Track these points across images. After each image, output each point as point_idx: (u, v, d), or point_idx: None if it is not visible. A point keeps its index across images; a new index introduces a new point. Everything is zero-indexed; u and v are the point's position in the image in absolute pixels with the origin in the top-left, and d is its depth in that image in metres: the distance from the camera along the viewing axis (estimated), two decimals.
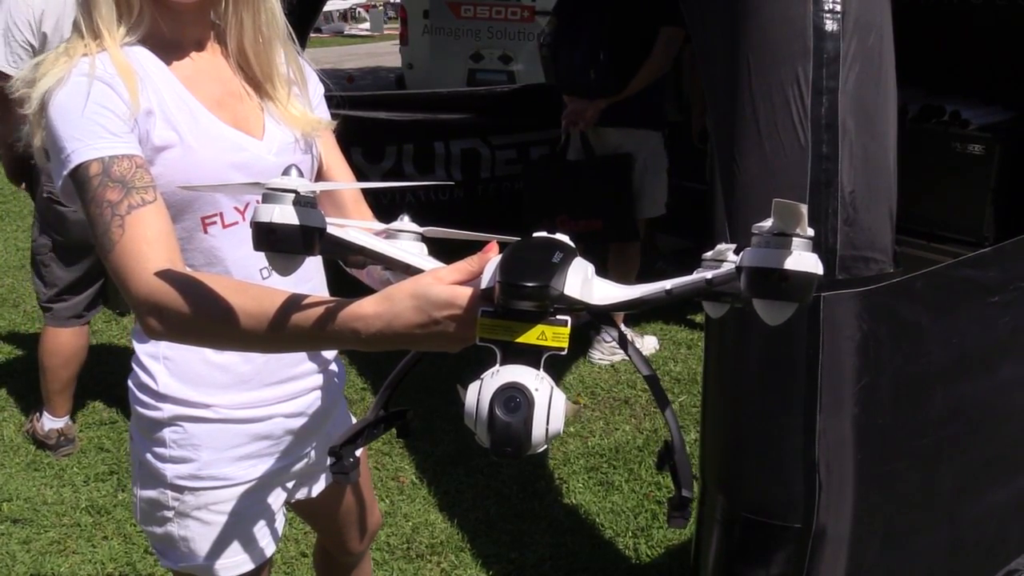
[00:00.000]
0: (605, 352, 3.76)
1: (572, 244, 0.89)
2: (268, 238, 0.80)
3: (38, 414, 3.16)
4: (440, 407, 3.11)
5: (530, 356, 0.78)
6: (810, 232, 0.76)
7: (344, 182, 1.36)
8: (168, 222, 1.07)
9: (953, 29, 3.50)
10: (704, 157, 4.12)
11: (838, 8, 1.51)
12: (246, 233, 0.88)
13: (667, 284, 0.83)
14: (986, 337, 1.80)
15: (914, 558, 1.80)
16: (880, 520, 1.68)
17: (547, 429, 0.74)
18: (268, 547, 1.37)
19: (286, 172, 0.82)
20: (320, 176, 1.35)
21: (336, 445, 0.98)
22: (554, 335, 0.78)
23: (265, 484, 1.35)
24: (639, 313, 4.02)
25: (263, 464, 1.32)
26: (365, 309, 0.89)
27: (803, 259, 0.75)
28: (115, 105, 1.07)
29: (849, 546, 1.65)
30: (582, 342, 3.82)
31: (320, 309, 0.91)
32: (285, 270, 0.84)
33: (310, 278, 1.31)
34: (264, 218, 0.79)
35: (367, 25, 22.30)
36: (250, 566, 1.36)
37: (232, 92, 1.22)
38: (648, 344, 3.92)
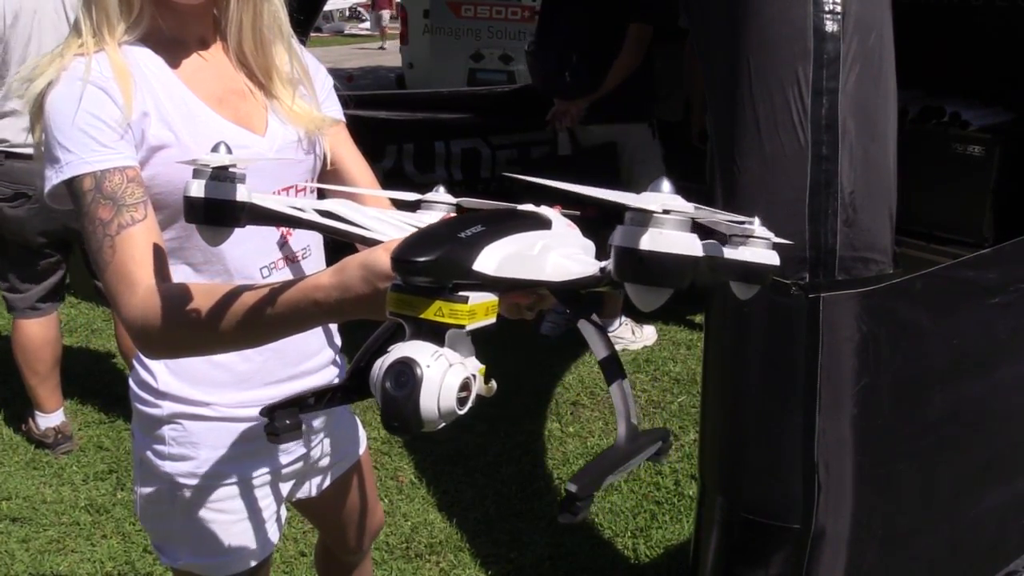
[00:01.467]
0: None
1: (549, 217, 0.88)
2: (190, 211, 0.86)
3: (32, 415, 3.15)
4: None
5: (433, 332, 0.75)
6: (685, 207, 0.66)
7: (358, 177, 1.36)
8: (158, 237, 1.07)
9: (953, 29, 3.50)
10: (704, 157, 4.12)
11: (838, 9, 1.51)
12: (244, 232, 0.89)
13: (604, 263, 0.79)
14: (985, 338, 1.80)
15: (913, 559, 1.80)
16: (879, 521, 1.68)
17: (438, 408, 0.71)
18: (267, 545, 1.37)
19: (215, 149, 0.85)
20: (331, 172, 1.34)
21: (269, 405, 0.98)
22: (451, 312, 0.75)
23: (265, 482, 1.35)
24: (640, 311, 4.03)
25: (263, 463, 1.33)
26: (322, 280, 0.90)
27: (662, 239, 0.65)
28: (107, 112, 1.07)
29: (848, 547, 1.65)
30: (581, 339, 3.81)
31: (284, 291, 0.93)
32: (212, 241, 0.88)
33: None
34: (187, 192, 0.85)
35: (367, 24, 22.29)
36: (249, 563, 1.36)
37: (235, 90, 1.21)
38: (646, 333, 3.94)
